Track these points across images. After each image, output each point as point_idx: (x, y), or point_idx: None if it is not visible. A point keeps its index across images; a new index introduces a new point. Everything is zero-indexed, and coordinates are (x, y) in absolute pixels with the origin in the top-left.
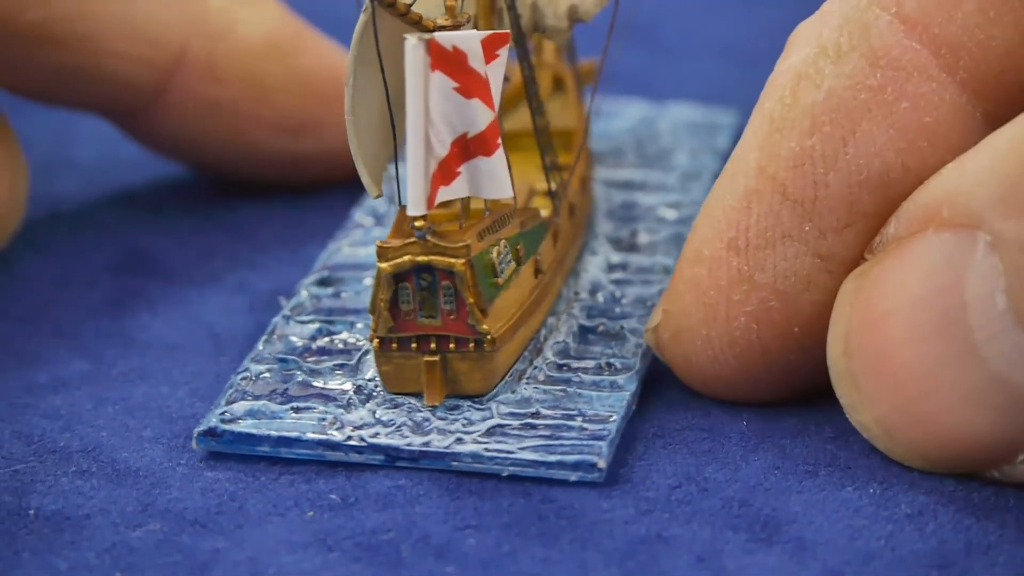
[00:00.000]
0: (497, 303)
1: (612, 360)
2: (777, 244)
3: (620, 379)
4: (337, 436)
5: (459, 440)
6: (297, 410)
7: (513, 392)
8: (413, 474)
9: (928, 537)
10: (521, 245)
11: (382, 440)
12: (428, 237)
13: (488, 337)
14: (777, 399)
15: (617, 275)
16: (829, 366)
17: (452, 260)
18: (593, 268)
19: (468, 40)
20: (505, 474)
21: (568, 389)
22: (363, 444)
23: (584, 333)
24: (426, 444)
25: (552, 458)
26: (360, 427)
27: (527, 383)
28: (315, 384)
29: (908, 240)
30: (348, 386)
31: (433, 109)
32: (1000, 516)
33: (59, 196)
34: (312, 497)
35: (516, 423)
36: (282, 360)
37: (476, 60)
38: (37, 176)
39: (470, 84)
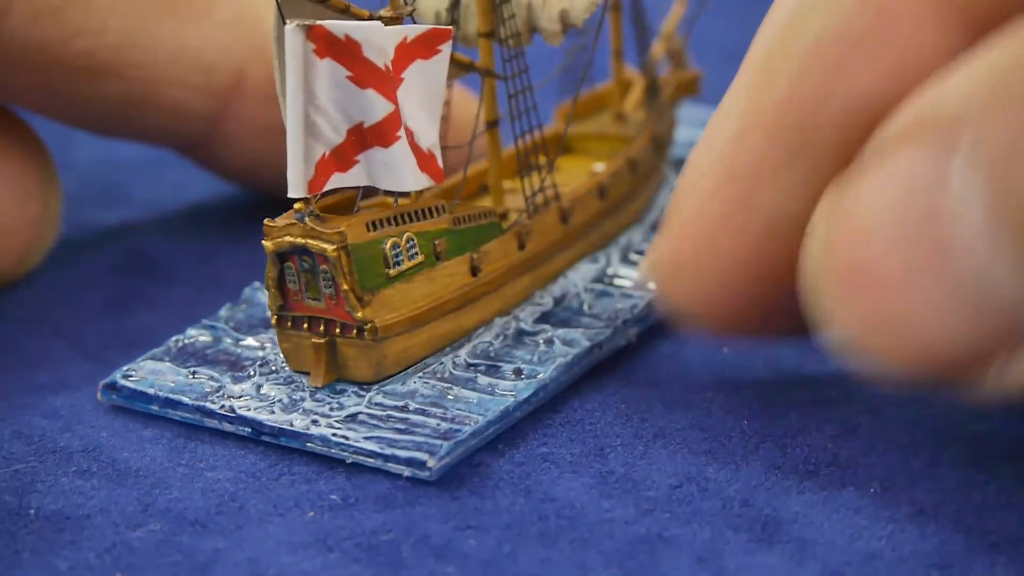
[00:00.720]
0: (387, 293)
1: (523, 367)
2: (771, 179)
3: (518, 384)
4: (213, 405)
5: (315, 422)
6: (195, 374)
7: (403, 384)
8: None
9: (929, 537)
10: (443, 241)
11: (250, 414)
12: (307, 220)
13: (369, 326)
14: (773, 335)
15: (600, 286)
16: (805, 280)
17: (325, 245)
18: (576, 276)
19: (365, 31)
20: (348, 461)
21: (456, 388)
22: (232, 415)
23: (520, 337)
24: (288, 423)
25: (388, 451)
26: (239, 398)
27: (425, 377)
28: (231, 351)
29: (889, 153)
30: (260, 355)
31: (323, 95)
32: (1001, 515)
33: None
34: (312, 497)
35: (380, 413)
36: (211, 327)
37: (373, 51)
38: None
39: (364, 74)
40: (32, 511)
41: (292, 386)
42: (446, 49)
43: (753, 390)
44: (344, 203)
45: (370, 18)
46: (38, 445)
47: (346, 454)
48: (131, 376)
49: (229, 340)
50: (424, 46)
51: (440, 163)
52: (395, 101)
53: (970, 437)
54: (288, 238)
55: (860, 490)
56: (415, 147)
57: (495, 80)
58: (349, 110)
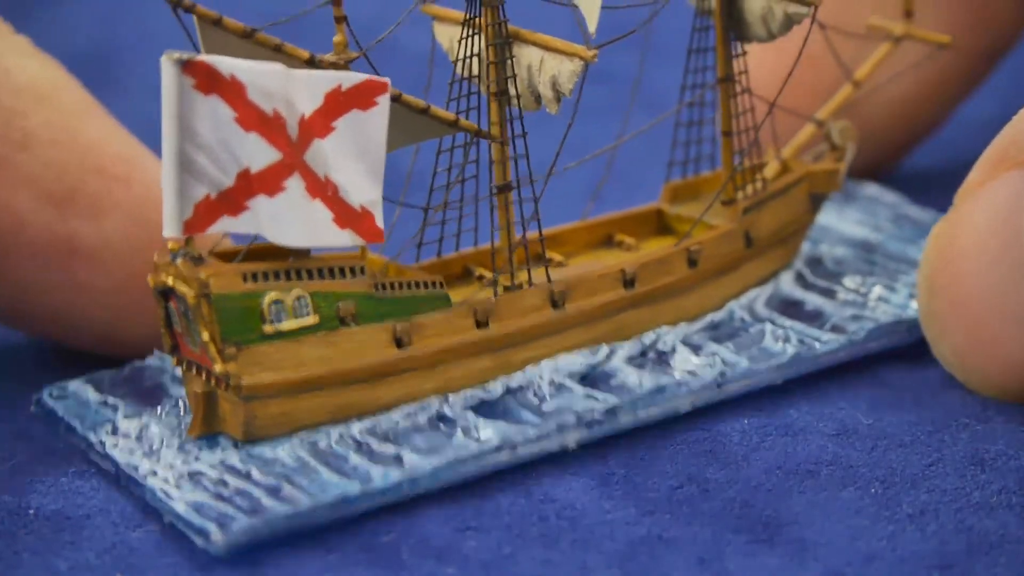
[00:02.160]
0: (262, 350)
1: (408, 455)
2: None
3: (387, 473)
4: (93, 437)
5: (153, 473)
6: (106, 403)
7: (273, 449)
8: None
9: (929, 538)
10: (351, 304)
11: (114, 453)
12: (178, 261)
13: (234, 382)
14: None
15: (572, 383)
16: (918, 307)
17: (186, 290)
18: (554, 366)
19: (253, 73)
20: (166, 520)
21: (318, 464)
22: (102, 451)
23: (436, 422)
24: (135, 468)
25: (191, 516)
26: (121, 435)
27: (299, 446)
28: (167, 387)
29: (986, 184)
30: (181, 393)
31: (206, 133)
32: (1002, 516)
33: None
34: None
35: (217, 476)
36: (163, 359)
37: (259, 94)
38: None
39: (249, 118)
40: (32, 511)
41: (177, 431)
42: (384, 102)
43: (753, 390)
44: (275, 251)
45: (309, 60)
46: (38, 445)
47: (162, 511)
48: (55, 394)
49: (176, 375)
50: (360, 96)
51: (379, 221)
52: (283, 149)
53: (970, 437)
54: (162, 277)
55: (861, 491)
56: (334, 201)
57: (502, 143)
58: (236, 152)
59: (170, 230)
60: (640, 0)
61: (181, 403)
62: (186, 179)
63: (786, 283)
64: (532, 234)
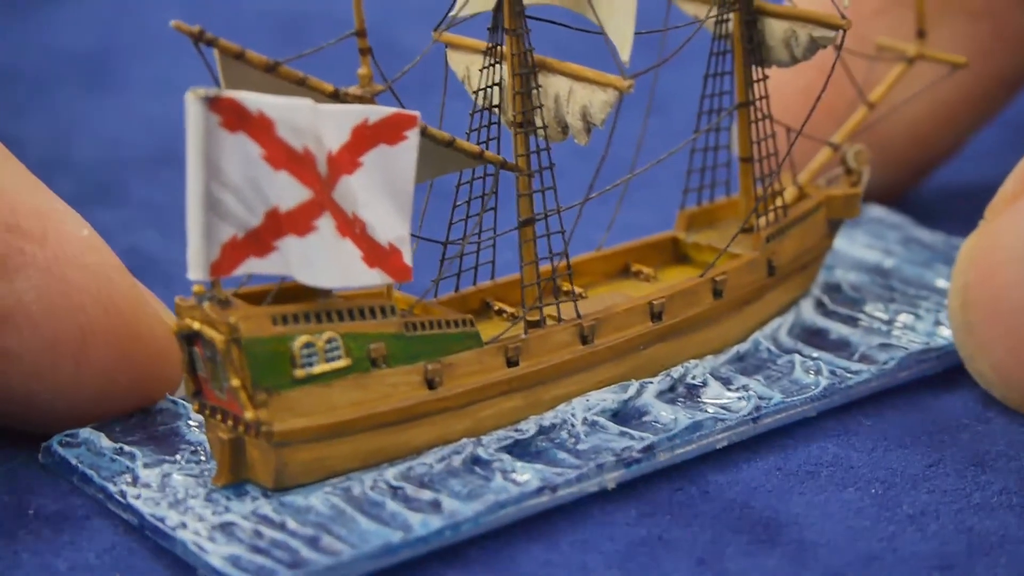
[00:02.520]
0: (293, 396)
1: (446, 500)
2: None
3: (427, 519)
4: (114, 487)
5: (183, 525)
6: (121, 451)
7: (305, 497)
8: None
9: (930, 538)
10: (382, 346)
11: (137, 504)
12: (205, 305)
13: (264, 428)
14: None
15: (605, 420)
16: (950, 321)
17: (215, 335)
18: (585, 403)
19: (282, 109)
20: (200, 575)
21: (354, 511)
22: (124, 502)
23: (471, 465)
24: (161, 519)
25: (229, 570)
26: (142, 485)
27: (332, 493)
28: (181, 432)
29: (1019, 196)
30: (202, 440)
31: (234, 172)
32: (1002, 517)
33: (59, 196)
34: None
35: (252, 526)
36: (173, 402)
37: (288, 131)
38: (37, 176)
39: (279, 155)
40: (32, 511)
41: (200, 479)
42: (413, 136)
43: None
44: (300, 290)
45: (334, 93)
46: (38, 445)
47: (196, 564)
48: (66, 442)
49: (190, 421)
50: (388, 131)
51: (407, 258)
52: (314, 187)
53: (971, 438)
54: (187, 321)
55: (861, 491)
56: (362, 239)
57: (528, 176)
58: (265, 191)
59: (196, 273)
60: (673, 25)
61: (201, 449)
62: (212, 219)
63: (807, 311)
64: (551, 265)
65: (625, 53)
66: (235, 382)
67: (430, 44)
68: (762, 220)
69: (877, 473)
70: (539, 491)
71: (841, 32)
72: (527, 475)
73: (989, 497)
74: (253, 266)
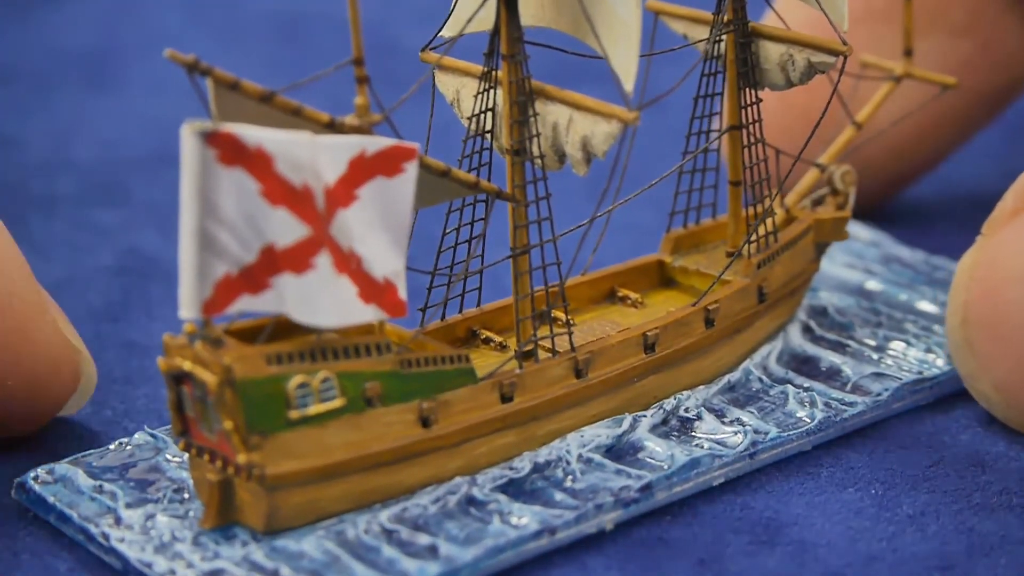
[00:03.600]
0: (287, 438)
1: (442, 544)
2: None
3: (424, 566)
4: (95, 528)
5: (172, 572)
6: (100, 489)
7: (297, 541)
8: None
9: (930, 539)
10: (377, 384)
11: (122, 548)
12: (196, 344)
13: (257, 472)
14: None
15: (599, 457)
16: (948, 339)
17: (208, 377)
18: (580, 439)
19: (282, 144)
20: None
21: (348, 558)
22: (107, 544)
23: (466, 505)
24: (148, 565)
25: None
26: (124, 526)
27: (325, 537)
28: (162, 468)
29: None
30: (185, 477)
31: (229, 208)
32: (1002, 517)
33: (59, 196)
34: None
35: (240, 573)
36: (152, 436)
37: (288, 166)
38: (37, 175)
39: (277, 191)
40: (32, 511)
41: (186, 521)
42: (411, 169)
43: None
44: (292, 326)
45: (330, 123)
46: (38, 446)
47: None
48: (41, 479)
49: (170, 455)
50: (386, 163)
51: (401, 293)
52: (313, 224)
53: (971, 438)
54: (178, 361)
55: (861, 492)
56: (358, 275)
57: (524, 206)
58: (262, 228)
59: (188, 312)
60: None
61: (185, 488)
62: (206, 257)
63: (795, 337)
64: (544, 294)
65: (629, 83)
66: (228, 424)
67: (430, 69)
68: (752, 246)
69: (877, 473)
70: (538, 534)
71: (842, 58)
72: (525, 517)
73: (989, 497)
74: (246, 304)
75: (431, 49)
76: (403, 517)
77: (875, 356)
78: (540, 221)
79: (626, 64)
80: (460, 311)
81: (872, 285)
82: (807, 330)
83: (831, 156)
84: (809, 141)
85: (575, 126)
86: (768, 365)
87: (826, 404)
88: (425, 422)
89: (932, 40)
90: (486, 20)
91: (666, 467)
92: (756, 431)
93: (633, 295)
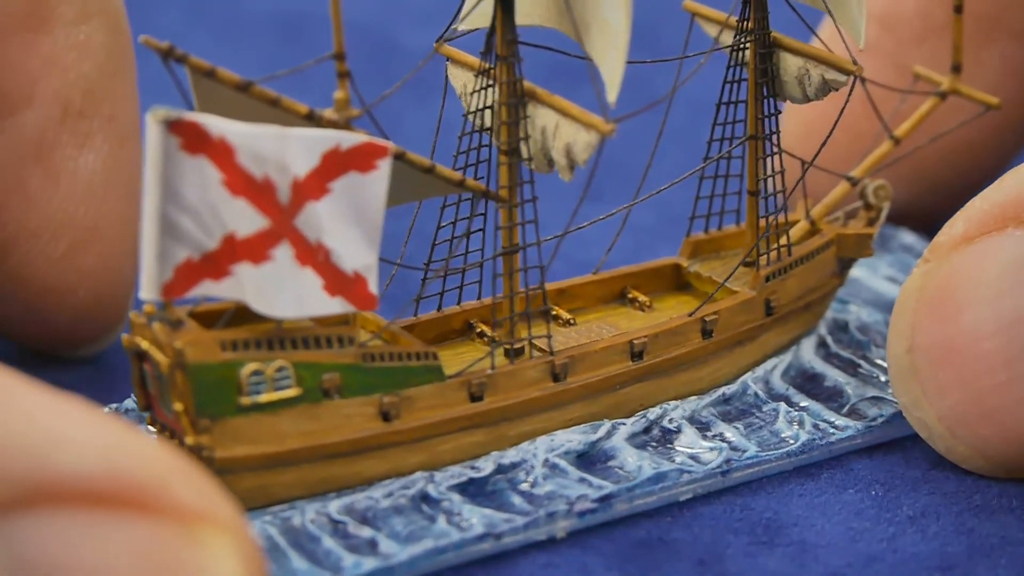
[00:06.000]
0: (238, 423)
1: (383, 540)
2: None
3: (360, 561)
4: None
5: None
6: None
7: (252, 524)
8: None
9: (930, 539)
10: (336, 376)
11: None
12: (154, 325)
13: (205, 454)
14: None
15: (565, 463)
16: (889, 364)
17: (161, 358)
18: (549, 443)
19: (245, 136)
20: None
21: (287, 546)
22: None
23: (419, 502)
24: None
25: None
26: None
27: (271, 523)
28: None
29: (983, 238)
30: None
31: (192, 195)
32: (1002, 518)
33: None
34: None
35: None
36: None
37: (249, 159)
38: None
39: (238, 182)
40: None
41: None
42: (384, 166)
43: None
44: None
45: (308, 115)
46: None
47: None
48: None
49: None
50: (360, 158)
51: (372, 287)
52: (272, 216)
53: None
54: (136, 340)
55: (861, 492)
56: (325, 267)
57: (511, 206)
58: (223, 216)
59: (148, 293)
60: (666, 58)
61: None
62: (166, 241)
63: (807, 352)
64: (536, 294)
65: (613, 93)
66: (178, 406)
67: (419, 65)
68: (763, 258)
69: (877, 475)
70: (481, 538)
71: (852, 78)
72: (473, 519)
73: (990, 499)
74: (208, 288)
75: (446, 42)
76: (352, 508)
77: (883, 379)
78: (524, 224)
79: (612, 74)
80: (458, 303)
81: None
82: (821, 345)
83: (864, 169)
84: (821, 150)
85: (560, 132)
86: (770, 380)
87: (815, 426)
88: (386, 416)
89: (993, 49)
90: (486, 18)
91: (631, 479)
92: (734, 448)
93: (642, 298)
